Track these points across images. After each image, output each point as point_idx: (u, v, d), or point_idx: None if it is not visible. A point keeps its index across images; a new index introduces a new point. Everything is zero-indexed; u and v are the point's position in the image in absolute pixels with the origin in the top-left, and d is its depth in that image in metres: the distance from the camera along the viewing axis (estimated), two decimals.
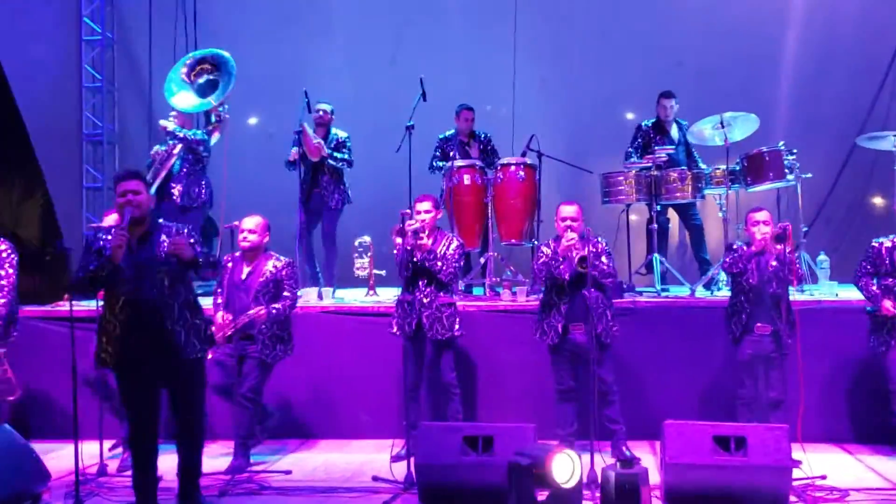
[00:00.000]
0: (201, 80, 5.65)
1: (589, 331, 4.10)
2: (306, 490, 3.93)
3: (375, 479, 4.00)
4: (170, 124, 5.54)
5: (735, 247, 4.30)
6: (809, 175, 5.47)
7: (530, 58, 6.73)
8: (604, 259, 4.20)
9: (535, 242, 5.29)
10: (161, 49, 6.48)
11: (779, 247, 4.07)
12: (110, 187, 4.35)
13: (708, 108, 5.65)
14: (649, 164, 5.43)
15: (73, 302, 3.74)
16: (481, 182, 5.48)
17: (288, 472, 4.17)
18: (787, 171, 5.33)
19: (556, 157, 5.59)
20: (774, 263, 4.16)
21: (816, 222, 6.38)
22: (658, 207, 5.46)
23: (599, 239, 4.26)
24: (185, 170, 5.55)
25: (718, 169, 5.46)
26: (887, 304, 4.15)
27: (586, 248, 4.07)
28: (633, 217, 5.84)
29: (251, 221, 4.34)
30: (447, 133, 5.84)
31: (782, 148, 5.34)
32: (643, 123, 5.90)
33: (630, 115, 6.68)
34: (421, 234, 4.27)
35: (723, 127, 5.42)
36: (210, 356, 3.87)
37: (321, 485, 4.01)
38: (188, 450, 3.54)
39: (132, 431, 3.57)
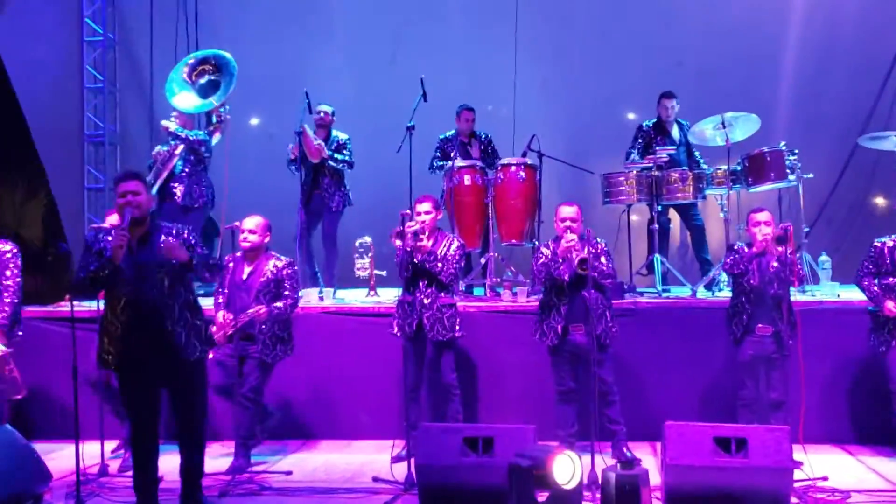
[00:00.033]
0: (202, 81, 5.65)
1: (589, 331, 4.09)
2: (306, 491, 3.94)
3: (376, 479, 4.00)
4: (171, 125, 5.54)
5: (736, 247, 4.29)
6: (811, 175, 5.46)
7: (531, 58, 6.73)
8: (603, 260, 4.20)
9: (536, 243, 5.29)
10: (162, 50, 6.49)
11: (780, 248, 4.06)
12: (112, 188, 4.36)
13: (708, 109, 5.65)
14: (650, 165, 5.43)
15: (75, 303, 3.74)
16: (482, 182, 5.48)
17: (288, 473, 4.17)
18: (788, 171, 5.32)
19: (556, 158, 5.59)
20: (776, 264, 4.15)
21: (818, 223, 6.37)
22: (659, 208, 5.46)
23: (599, 239, 4.26)
24: (186, 170, 5.55)
25: (720, 169, 5.45)
26: (889, 304, 4.14)
27: (586, 249, 4.07)
28: (633, 217, 5.84)
29: (252, 222, 4.34)
30: (448, 133, 5.84)
31: (783, 148, 5.34)
32: (644, 124, 5.90)
33: (631, 116, 6.68)
34: (421, 236, 4.27)
35: (724, 127, 5.41)
36: (211, 356, 3.88)
37: (321, 485, 4.02)
38: (190, 450, 3.54)
39: (133, 432, 3.59)
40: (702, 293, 5.33)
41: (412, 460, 3.83)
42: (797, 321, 4.16)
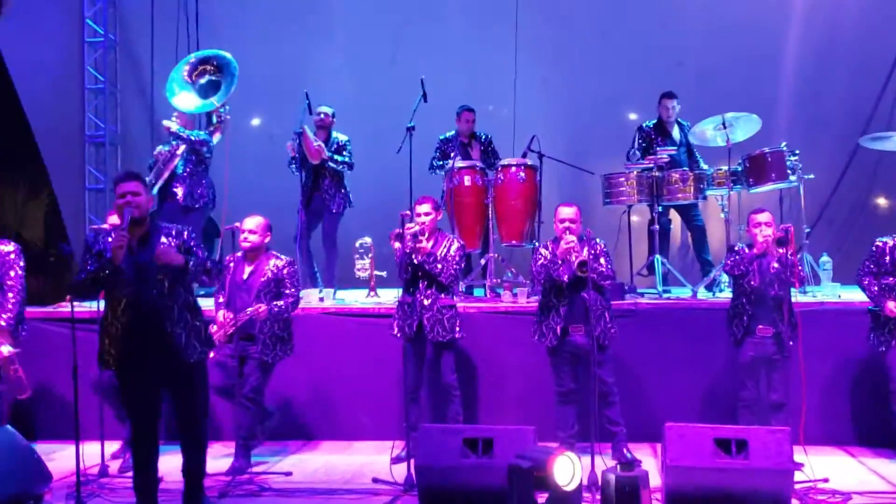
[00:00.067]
0: (203, 81, 5.65)
1: (588, 332, 4.09)
2: (306, 492, 3.94)
3: (375, 480, 4.00)
4: (173, 125, 5.55)
5: (737, 248, 4.29)
6: (812, 176, 5.45)
7: (531, 58, 6.72)
8: (602, 261, 4.19)
9: (536, 244, 5.27)
10: (163, 50, 6.49)
11: (781, 250, 4.05)
12: (112, 189, 4.37)
13: (709, 109, 5.64)
14: (651, 165, 5.42)
15: (75, 303, 3.74)
16: (482, 183, 5.48)
17: (288, 474, 4.18)
18: (789, 171, 5.31)
19: (556, 158, 5.58)
20: (776, 265, 4.14)
21: (819, 223, 6.36)
22: (660, 208, 5.45)
23: (598, 240, 4.25)
24: (188, 170, 5.56)
25: (720, 170, 5.44)
26: (891, 305, 4.14)
27: (585, 250, 4.07)
28: (634, 218, 5.83)
29: (252, 222, 4.35)
30: (448, 134, 5.84)
31: (784, 149, 5.33)
32: (645, 124, 5.89)
33: (633, 116, 6.67)
34: (420, 237, 4.27)
35: (724, 128, 5.40)
36: (212, 355, 3.88)
37: (321, 486, 4.02)
38: (191, 450, 3.55)
39: (133, 432, 3.59)
40: (702, 294, 5.32)
41: (412, 461, 3.82)
42: (798, 322, 4.16)
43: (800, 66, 6.55)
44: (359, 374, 4.90)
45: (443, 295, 4.33)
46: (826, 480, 3.84)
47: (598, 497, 3.58)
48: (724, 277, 5.12)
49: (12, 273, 4.10)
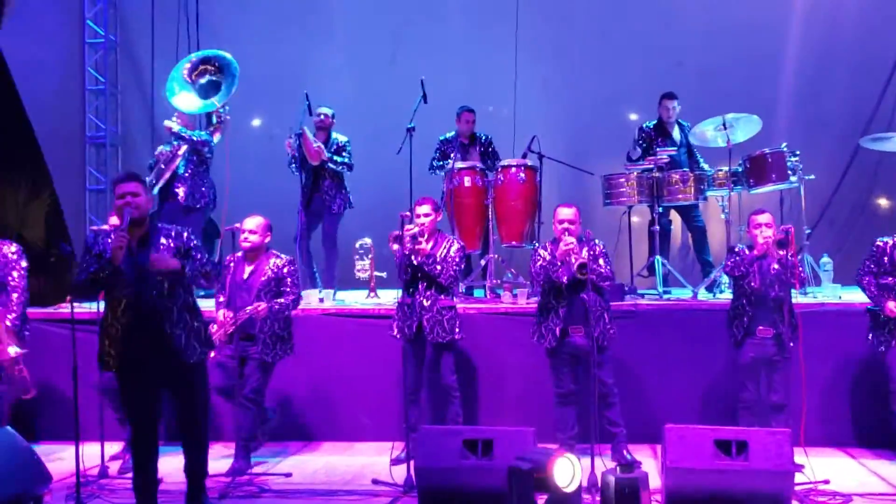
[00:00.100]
0: (203, 81, 5.65)
1: (588, 333, 4.09)
2: (306, 493, 3.94)
3: (375, 482, 4.00)
4: (174, 125, 5.55)
5: (737, 249, 4.28)
6: (812, 177, 5.44)
7: (531, 58, 6.72)
8: (601, 261, 4.19)
9: (536, 244, 5.26)
10: (163, 51, 6.50)
11: (781, 252, 4.05)
12: (112, 189, 4.39)
13: (709, 109, 5.63)
14: (651, 166, 5.41)
15: (75, 304, 3.74)
16: (482, 184, 5.47)
17: (288, 475, 4.17)
18: (789, 172, 5.31)
19: (556, 159, 5.57)
20: (776, 266, 4.13)
21: (820, 224, 6.35)
22: (660, 209, 5.45)
23: (597, 241, 4.25)
24: (189, 171, 5.56)
25: (721, 170, 5.44)
26: (891, 305, 4.13)
27: (584, 251, 4.07)
28: (634, 219, 5.83)
29: (252, 222, 4.35)
30: (448, 135, 5.84)
31: (785, 149, 5.32)
32: (645, 125, 5.88)
33: (633, 116, 6.66)
34: (420, 238, 4.26)
35: (725, 128, 5.39)
36: (212, 354, 3.88)
37: (321, 488, 4.02)
38: (192, 451, 3.55)
39: (133, 433, 3.59)
40: (703, 295, 5.32)
41: (411, 462, 3.82)
42: (798, 323, 4.15)
43: (800, 67, 6.54)
44: (359, 374, 4.90)
45: (442, 296, 4.32)
46: (827, 482, 3.83)
47: (598, 499, 3.58)
48: (725, 278, 5.11)
49: (15, 273, 4.13)
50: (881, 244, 4.22)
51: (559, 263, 4.20)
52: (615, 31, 6.74)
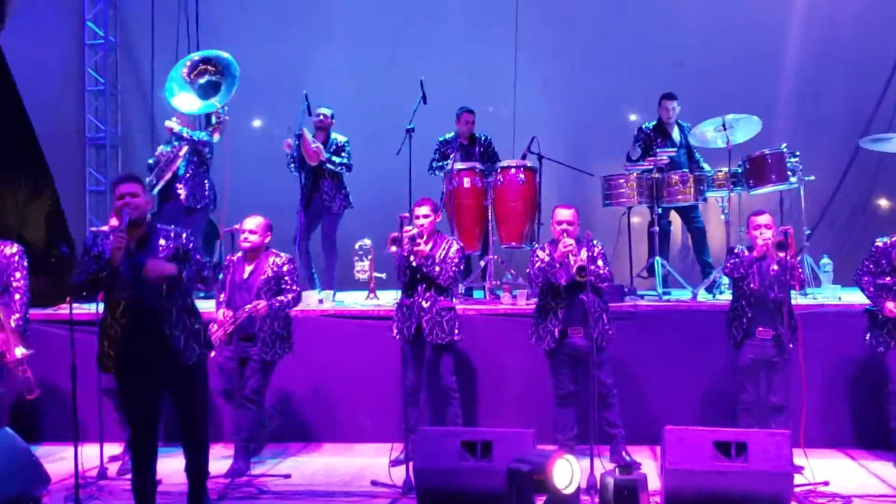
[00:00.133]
0: (202, 81, 5.65)
1: (587, 334, 4.08)
2: (305, 494, 3.94)
3: (374, 483, 4.00)
4: (175, 125, 5.56)
5: (736, 251, 4.27)
6: (812, 177, 5.44)
7: (531, 58, 6.71)
8: (600, 263, 4.19)
9: (536, 245, 5.26)
10: (163, 52, 6.50)
11: (781, 254, 4.04)
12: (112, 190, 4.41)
13: (709, 109, 5.63)
14: (650, 167, 5.41)
15: (74, 305, 3.74)
16: (481, 185, 5.47)
17: (287, 476, 4.17)
18: (789, 173, 5.30)
19: (556, 160, 5.57)
20: (776, 268, 4.13)
21: (820, 225, 6.34)
22: (660, 210, 5.44)
23: (595, 242, 4.24)
24: (190, 171, 5.57)
25: (720, 171, 5.44)
26: (889, 305, 4.13)
27: (583, 252, 4.07)
28: (634, 220, 5.82)
29: (252, 222, 4.35)
30: (447, 136, 5.83)
31: (785, 150, 5.32)
32: (644, 125, 5.88)
33: (633, 117, 6.65)
34: (418, 240, 4.26)
35: (725, 129, 5.39)
36: (213, 354, 3.89)
37: (320, 489, 4.02)
38: (193, 452, 3.55)
39: (132, 434, 3.58)
40: (703, 296, 5.31)
41: (410, 464, 3.82)
42: (798, 324, 4.15)
43: (800, 67, 6.53)
44: (358, 376, 4.90)
45: (442, 297, 4.32)
46: (826, 483, 3.83)
47: (597, 500, 3.58)
48: (725, 279, 5.10)
49: (17, 275, 4.15)
50: (880, 244, 4.22)
51: (558, 265, 4.20)
52: (615, 31, 6.74)
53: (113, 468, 4.25)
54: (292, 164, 5.57)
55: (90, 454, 4.00)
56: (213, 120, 5.70)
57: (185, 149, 5.53)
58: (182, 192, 5.52)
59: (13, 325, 4.08)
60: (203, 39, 6.45)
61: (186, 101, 5.61)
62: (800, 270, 4.42)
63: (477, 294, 5.57)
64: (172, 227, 3.57)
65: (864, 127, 6.35)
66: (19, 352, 4.08)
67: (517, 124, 6.46)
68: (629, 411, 4.39)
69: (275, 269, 4.29)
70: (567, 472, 3.30)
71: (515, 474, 3.23)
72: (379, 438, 4.68)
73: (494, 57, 6.71)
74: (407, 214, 4.28)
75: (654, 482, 3.70)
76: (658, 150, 5.54)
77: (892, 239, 4.20)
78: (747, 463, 3.55)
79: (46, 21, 6.49)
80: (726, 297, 4.93)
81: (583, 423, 4.21)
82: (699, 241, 5.85)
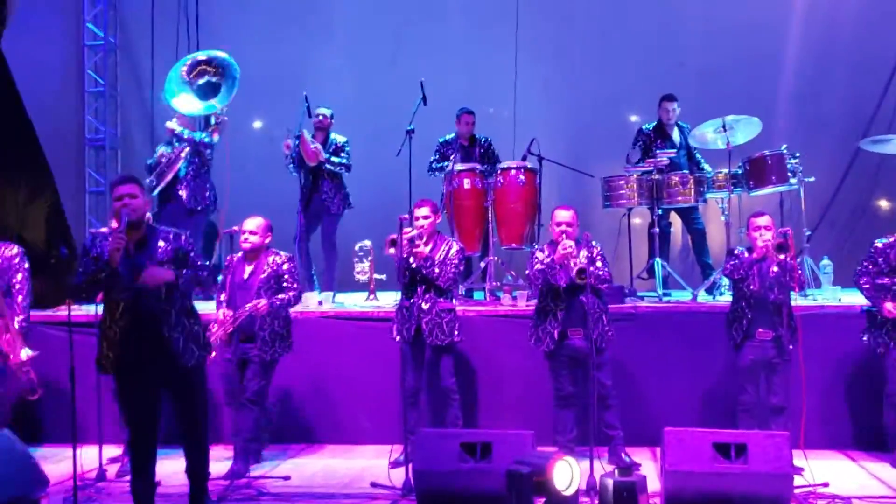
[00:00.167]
0: (201, 81, 5.66)
1: (587, 335, 4.08)
2: (304, 496, 3.93)
3: (374, 485, 4.00)
4: (176, 127, 5.55)
5: (736, 252, 4.27)
6: (812, 179, 5.44)
7: (531, 58, 6.71)
8: (599, 264, 4.19)
9: (536, 247, 5.27)
10: (163, 53, 6.50)
11: (781, 256, 4.04)
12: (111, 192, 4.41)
13: (710, 110, 5.63)
14: (650, 168, 5.41)
15: (74, 307, 3.74)
16: (481, 186, 5.46)
17: (287, 478, 4.17)
18: (789, 174, 5.30)
19: (556, 161, 5.57)
20: (776, 269, 4.13)
21: (820, 226, 6.34)
22: (660, 211, 5.44)
23: (594, 243, 4.24)
24: (191, 172, 5.57)
25: (721, 173, 5.44)
26: (888, 305, 4.13)
27: (582, 253, 4.07)
28: (634, 221, 5.82)
29: (252, 223, 4.35)
30: (447, 137, 5.83)
31: (785, 151, 5.31)
32: (644, 127, 5.88)
33: (634, 118, 6.64)
34: (417, 241, 4.26)
35: (725, 130, 5.38)
36: (213, 354, 3.88)
37: (319, 490, 4.02)
38: (194, 453, 3.55)
39: (131, 436, 3.58)
40: (703, 297, 5.31)
41: (410, 466, 3.81)
42: (798, 326, 4.14)
43: (800, 67, 6.53)
44: (358, 377, 4.89)
45: (441, 298, 4.32)
46: (826, 485, 3.82)
47: (596, 502, 3.57)
48: (725, 280, 5.10)
49: (19, 276, 4.16)
50: (879, 245, 4.23)
51: (558, 267, 4.19)
52: (615, 31, 6.73)
53: (112, 470, 4.25)
54: (291, 165, 5.57)
55: (90, 456, 4.00)
56: (213, 121, 5.71)
57: (186, 150, 5.53)
58: (183, 193, 5.51)
59: (17, 326, 4.09)
60: (203, 40, 6.45)
61: (187, 101, 5.61)
62: (800, 272, 4.42)
63: (477, 295, 5.56)
64: (172, 228, 3.58)
65: (864, 127, 6.34)
66: (25, 354, 4.10)
67: (517, 125, 6.46)
68: (629, 412, 4.39)
69: (274, 267, 4.29)
70: (567, 473, 3.30)
71: (515, 476, 3.23)
72: (379, 440, 4.68)
73: (494, 57, 6.70)
74: (406, 216, 4.27)
75: (653, 483, 3.70)
76: (658, 151, 5.54)
77: (891, 240, 4.20)
78: (747, 464, 3.55)
79: (46, 22, 6.49)
80: (726, 298, 4.93)
81: (582, 424, 4.21)
82: (699, 242, 5.85)
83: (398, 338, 4.34)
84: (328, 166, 5.60)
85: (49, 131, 6.31)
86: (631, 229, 5.69)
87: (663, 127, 5.83)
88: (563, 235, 4.21)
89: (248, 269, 4.33)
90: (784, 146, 5.37)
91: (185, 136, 5.53)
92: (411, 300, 4.30)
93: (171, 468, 3.95)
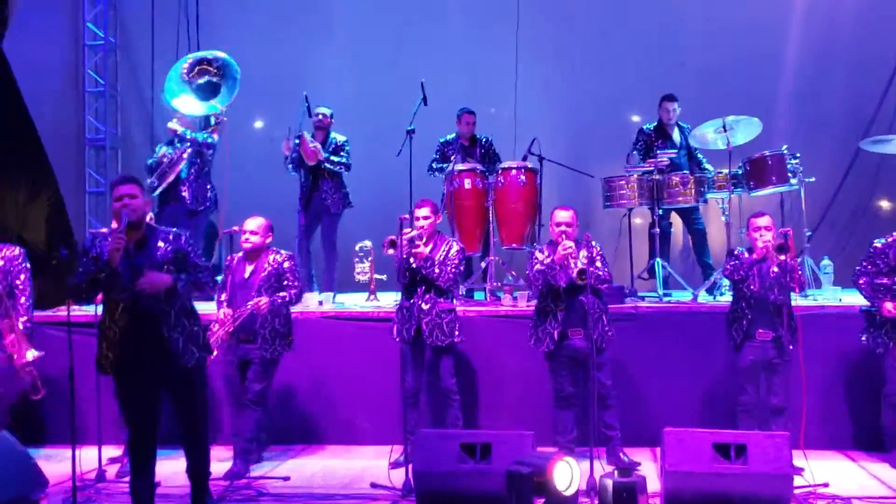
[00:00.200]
0: (201, 81, 5.65)
1: (587, 335, 4.08)
2: (304, 497, 3.93)
3: (374, 485, 3.99)
4: (178, 127, 5.56)
5: (736, 253, 4.27)
6: (813, 179, 5.43)
7: (532, 58, 6.71)
8: (598, 264, 4.18)
9: (537, 247, 5.26)
10: (163, 53, 6.50)
11: (781, 257, 4.04)
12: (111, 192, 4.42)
13: (710, 110, 5.62)
14: (651, 169, 5.40)
15: (75, 307, 3.75)
16: (482, 186, 5.46)
17: (286, 479, 4.16)
18: (790, 174, 5.30)
19: (557, 162, 5.56)
20: (776, 270, 4.13)
21: (821, 226, 6.34)
22: (660, 211, 5.44)
23: (594, 243, 4.24)
24: (192, 174, 5.57)
25: (721, 173, 5.43)
26: (888, 305, 4.12)
27: (581, 253, 4.07)
28: (635, 221, 5.81)
29: (253, 223, 4.35)
30: (448, 137, 5.83)
31: (785, 152, 5.31)
32: (645, 127, 5.87)
33: (635, 118, 6.63)
34: (417, 242, 4.25)
35: (725, 131, 5.38)
36: (215, 352, 3.88)
37: (319, 491, 4.01)
38: (194, 453, 3.56)
39: (130, 436, 3.58)
40: (703, 297, 5.31)
41: (410, 466, 3.81)
42: (798, 326, 4.14)
43: (800, 67, 6.53)
44: (358, 377, 4.89)
45: (442, 299, 4.31)
46: (826, 485, 3.82)
47: (596, 502, 3.57)
48: (725, 281, 5.10)
49: (22, 276, 4.20)
50: (878, 245, 4.22)
51: (558, 267, 4.19)
52: (616, 32, 6.73)
53: (112, 470, 4.25)
54: (290, 165, 5.57)
55: (90, 456, 4.00)
56: (213, 121, 5.71)
57: (188, 151, 5.53)
58: (186, 194, 5.52)
59: (21, 326, 4.10)
60: (203, 40, 6.45)
61: (188, 102, 5.61)
62: (800, 272, 4.41)
63: (477, 295, 5.56)
64: (172, 229, 3.58)
65: (864, 127, 6.34)
66: (31, 354, 4.12)
67: (518, 125, 6.45)
68: (629, 412, 4.39)
69: (275, 265, 4.29)
70: (567, 474, 3.30)
71: (515, 476, 3.23)
72: (379, 440, 4.67)
73: (495, 57, 6.70)
74: (407, 216, 4.27)
75: (653, 484, 3.70)
76: (658, 151, 5.54)
77: (890, 240, 4.19)
78: (747, 465, 3.55)
79: (46, 22, 6.49)
80: (727, 298, 4.92)
81: (583, 425, 4.20)
82: (700, 242, 5.84)
83: (398, 338, 4.34)
84: (327, 165, 5.60)
85: (49, 131, 6.31)
86: (631, 229, 5.68)
87: (664, 127, 5.83)
88: (563, 236, 4.20)
89: (249, 268, 4.33)
90: (785, 146, 5.36)
91: (188, 137, 5.53)
92: (411, 301, 4.30)
93: (171, 468, 3.95)
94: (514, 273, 5.56)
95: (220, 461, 4.29)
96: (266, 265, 4.29)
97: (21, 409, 4.54)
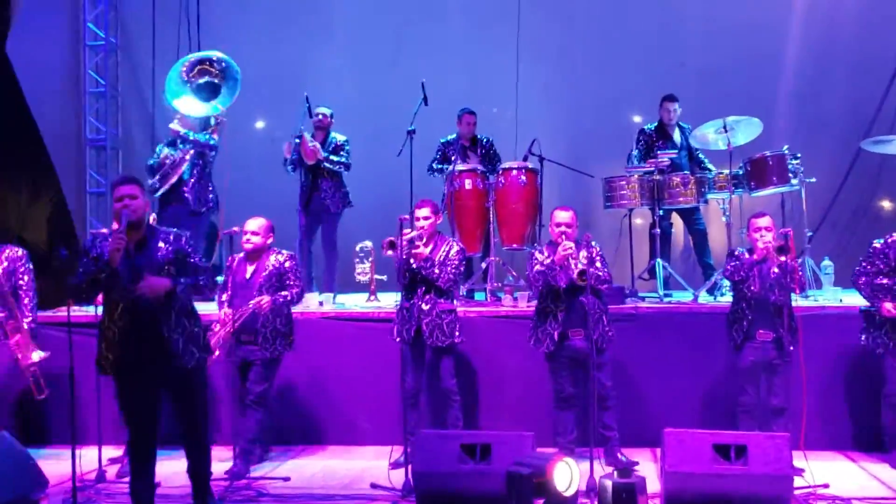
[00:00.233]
0: (202, 81, 5.66)
1: (588, 336, 4.08)
2: (304, 497, 3.93)
3: (374, 486, 4.00)
4: (181, 128, 5.57)
5: (736, 253, 4.27)
6: (813, 179, 5.43)
7: (533, 58, 6.70)
8: (598, 265, 4.18)
9: (537, 247, 5.26)
10: (164, 53, 6.50)
11: (782, 258, 4.03)
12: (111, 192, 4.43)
13: (711, 110, 5.62)
14: (651, 169, 5.40)
15: (75, 307, 3.75)
16: (483, 186, 5.46)
17: (287, 479, 4.17)
18: (790, 175, 5.29)
19: (557, 162, 5.56)
20: (776, 271, 4.12)
21: (821, 227, 6.33)
22: (661, 212, 5.43)
23: (594, 244, 4.24)
24: (195, 174, 5.58)
25: (721, 173, 5.43)
26: (888, 305, 4.12)
27: (581, 254, 4.06)
28: (635, 221, 5.80)
29: (255, 223, 4.36)
30: (449, 137, 5.83)
31: (786, 152, 5.31)
32: (646, 127, 5.87)
33: (637, 119, 6.63)
34: (417, 242, 4.25)
35: (726, 131, 5.38)
36: (216, 353, 3.87)
37: (319, 492, 4.01)
38: (195, 454, 3.56)
39: (130, 437, 3.58)
40: (704, 298, 5.30)
41: (410, 467, 3.81)
42: (798, 326, 4.14)
43: (800, 67, 6.52)
44: (359, 378, 4.89)
45: (442, 299, 4.31)
46: (826, 486, 3.82)
47: (596, 503, 3.56)
48: (726, 281, 5.09)
49: (26, 277, 4.23)
50: (878, 245, 4.22)
51: (558, 268, 4.19)
52: (616, 32, 6.73)
53: (112, 471, 4.25)
54: (289, 167, 5.57)
55: (90, 457, 4.01)
56: (213, 121, 5.71)
57: (191, 152, 5.54)
58: (188, 195, 5.53)
59: (26, 327, 4.13)
60: (203, 40, 6.46)
61: (189, 103, 5.62)
62: (800, 273, 4.41)
63: (478, 296, 5.56)
64: (173, 229, 3.58)
65: (865, 127, 6.33)
66: (37, 356, 4.14)
67: (518, 125, 6.45)
68: (629, 413, 4.39)
69: (276, 265, 4.30)
70: (566, 474, 3.30)
71: (515, 477, 3.23)
72: (379, 441, 4.68)
73: (495, 58, 6.70)
74: (407, 216, 4.27)
75: (653, 484, 3.70)
76: (659, 152, 5.53)
77: (889, 240, 4.19)
78: (747, 466, 3.54)
79: (47, 22, 6.49)
80: (727, 299, 4.91)
81: (583, 425, 4.20)
82: (700, 242, 5.84)
83: (398, 339, 4.34)
84: (326, 165, 5.60)
85: (50, 132, 6.33)
86: (632, 230, 5.67)
87: (664, 127, 5.82)
88: (563, 236, 4.20)
89: (250, 268, 4.34)
90: (785, 147, 5.36)
91: (191, 138, 5.53)
92: (411, 301, 4.30)
93: (171, 469, 3.95)
94: (514, 273, 5.56)
95: (221, 461, 4.30)
96: (267, 265, 4.30)
97: (22, 410, 4.56)
